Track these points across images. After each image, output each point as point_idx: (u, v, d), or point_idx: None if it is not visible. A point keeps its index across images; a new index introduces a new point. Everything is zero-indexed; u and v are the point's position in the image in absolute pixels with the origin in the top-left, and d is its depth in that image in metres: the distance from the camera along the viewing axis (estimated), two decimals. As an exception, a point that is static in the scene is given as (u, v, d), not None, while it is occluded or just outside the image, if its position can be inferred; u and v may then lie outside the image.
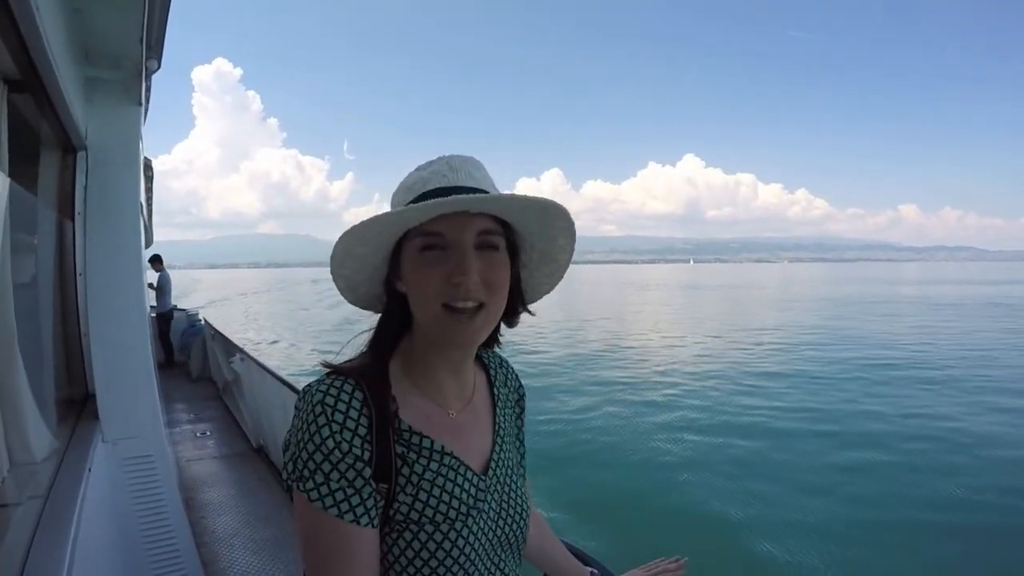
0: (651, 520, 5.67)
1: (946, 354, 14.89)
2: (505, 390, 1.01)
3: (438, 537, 0.79)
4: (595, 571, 1.17)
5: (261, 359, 5.11)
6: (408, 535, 0.78)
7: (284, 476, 0.77)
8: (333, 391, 0.76)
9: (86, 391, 2.53)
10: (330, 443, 0.73)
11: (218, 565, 3.17)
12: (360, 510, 0.74)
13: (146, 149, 3.07)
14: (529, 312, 0.95)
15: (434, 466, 0.81)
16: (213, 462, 4.93)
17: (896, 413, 9.07)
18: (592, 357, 15.30)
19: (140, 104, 2.57)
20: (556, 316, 26.56)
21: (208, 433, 5.77)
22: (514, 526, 0.90)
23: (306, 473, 0.74)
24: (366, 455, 0.75)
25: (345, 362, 0.85)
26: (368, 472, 0.75)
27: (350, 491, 0.74)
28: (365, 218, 0.76)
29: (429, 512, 0.79)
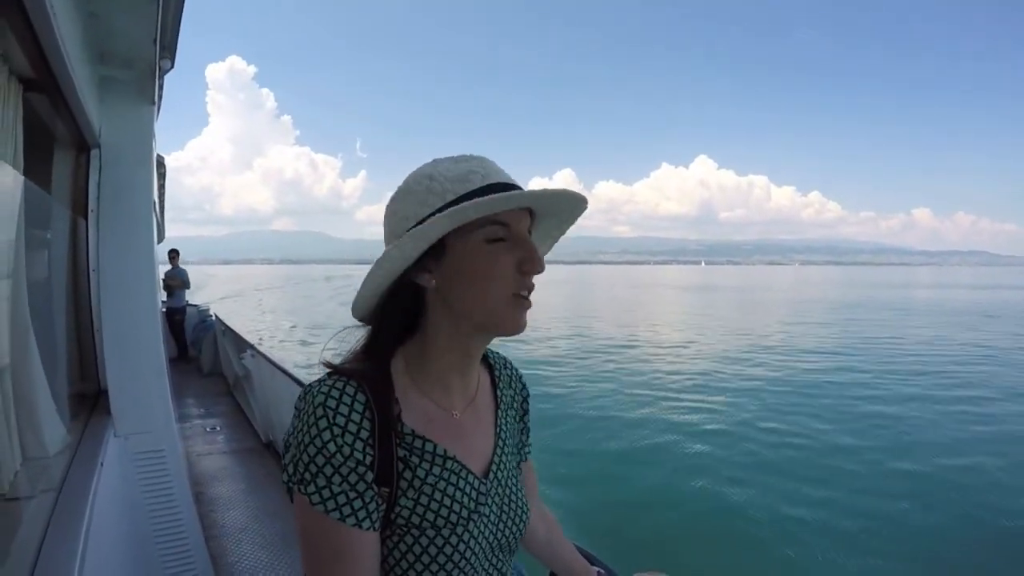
0: (657, 524, 5.64)
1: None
2: (510, 392, 1.01)
3: (439, 541, 0.79)
4: (601, 571, 1.17)
5: (271, 355, 5.15)
6: (409, 539, 0.78)
7: (284, 478, 0.77)
8: (335, 393, 0.75)
9: (98, 386, 2.57)
10: (332, 446, 0.73)
11: (227, 560, 3.19)
12: (362, 513, 0.74)
13: (160, 146, 3.10)
14: None
15: (436, 471, 0.81)
16: (223, 457, 4.97)
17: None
18: (583, 355, 15.31)
19: (153, 103, 2.60)
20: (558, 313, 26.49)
21: (218, 428, 5.81)
22: (513, 528, 0.91)
23: (307, 476, 0.73)
24: (368, 459, 0.74)
25: (344, 360, 0.84)
26: (370, 476, 0.75)
27: (352, 494, 0.74)
28: (467, 203, 0.74)
29: (431, 516, 0.79)
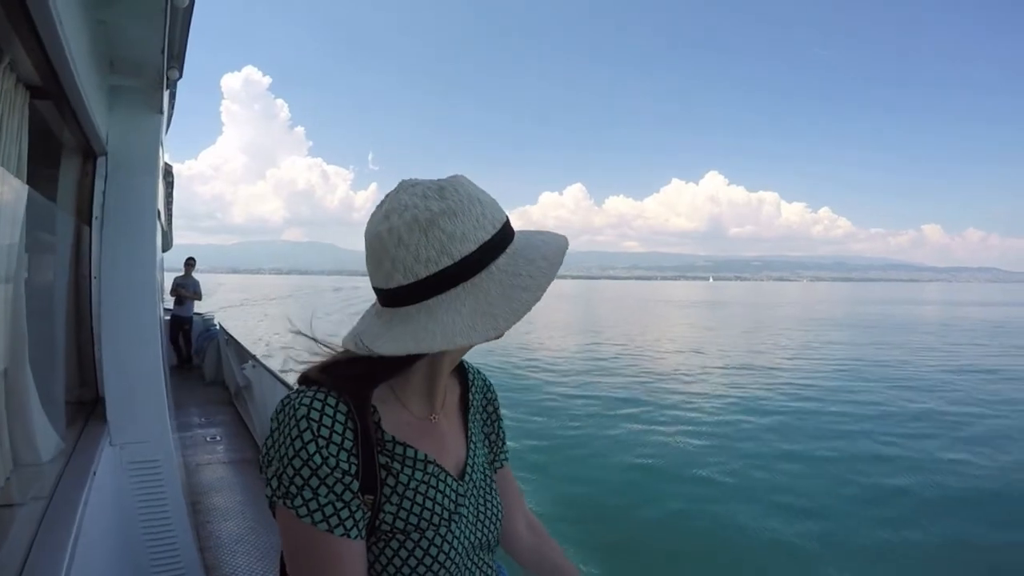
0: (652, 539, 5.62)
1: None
2: (480, 396, 1.04)
3: (424, 544, 0.80)
4: None
5: (272, 366, 5.14)
6: (395, 544, 0.79)
7: (268, 493, 0.76)
8: (317, 404, 0.75)
9: (96, 394, 2.56)
10: (317, 459, 0.72)
11: (222, 571, 3.17)
12: (349, 523, 0.74)
13: (174, 154, 3.13)
14: None
15: (418, 475, 0.82)
16: (221, 467, 4.95)
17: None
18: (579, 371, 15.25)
19: (161, 112, 2.61)
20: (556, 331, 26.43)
21: (218, 438, 5.80)
22: (491, 527, 0.93)
23: (293, 490, 0.72)
24: (352, 468, 0.74)
25: (319, 367, 0.83)
26: (355, 485, 0.74)
27: (339, 505, 0.73)
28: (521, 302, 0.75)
29: (414, 520, 0.80)
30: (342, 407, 0.76)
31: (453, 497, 0.86)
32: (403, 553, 0.79)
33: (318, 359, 0.87)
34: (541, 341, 21.92)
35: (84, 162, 2.51)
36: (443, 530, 0.82)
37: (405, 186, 0.81)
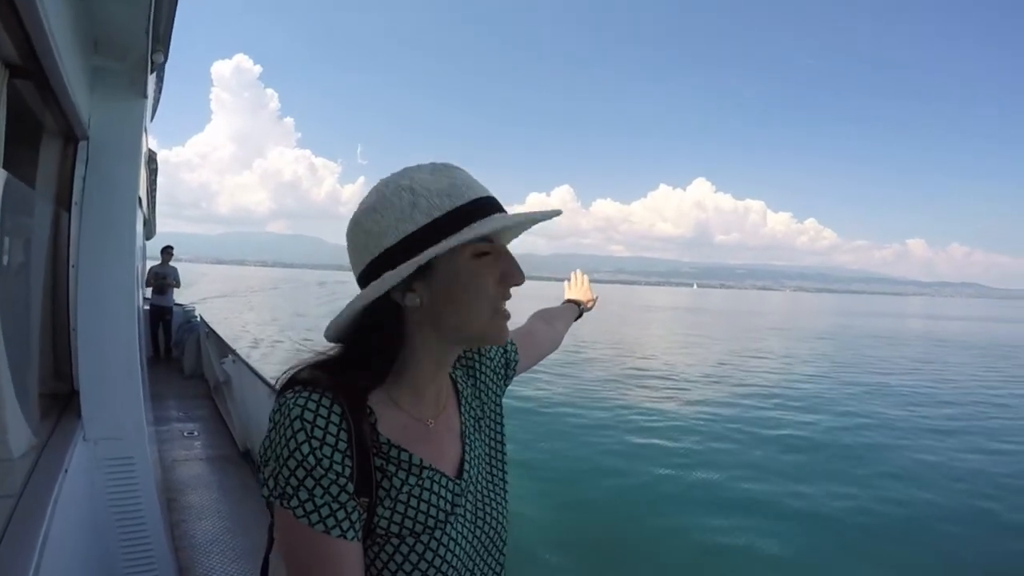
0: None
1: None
2: (470, 390, 1.02)
3: (419, 548, 0.79)
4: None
5: (251, 362, 5.06)
6: (390, 548, 0.78)
7: (265, 493, 0.75)
8: (312, 405, 0.74)
9: (72, 387, 2.48)
10: (311, 459, 0.72)
11: (195, 572, 3.10)
12: (346, 524, 0.73)
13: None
14: None
15: (412, 480, 0.81)
16: (198, 464, 4.87)
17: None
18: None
19: (145, 97, 2.53)
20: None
21: (196, 433, 5.71)
22: (493, 526, 0.92)
23: (289, 490, 0.72)
24: (347, 470, 0.74)
25: (308, 369, 0.82)
26: (351, 487, 0.74)
27: (335, 506, 0.73)
28: (480, 225, 0.77)
29: (409, 523, 0.79)
30: (337, 408, 0.75)
31: (449, 498, 0.85)
32: (398, 557, 0.78)
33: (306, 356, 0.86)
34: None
35: (65, 146, 2.43)
36: (438, 533, 0.81)
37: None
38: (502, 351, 1.10)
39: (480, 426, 1.00)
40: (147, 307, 9.36)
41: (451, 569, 0.81)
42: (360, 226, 0.82)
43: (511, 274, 0.82)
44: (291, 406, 0.75)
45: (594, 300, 1.65)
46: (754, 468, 7.75)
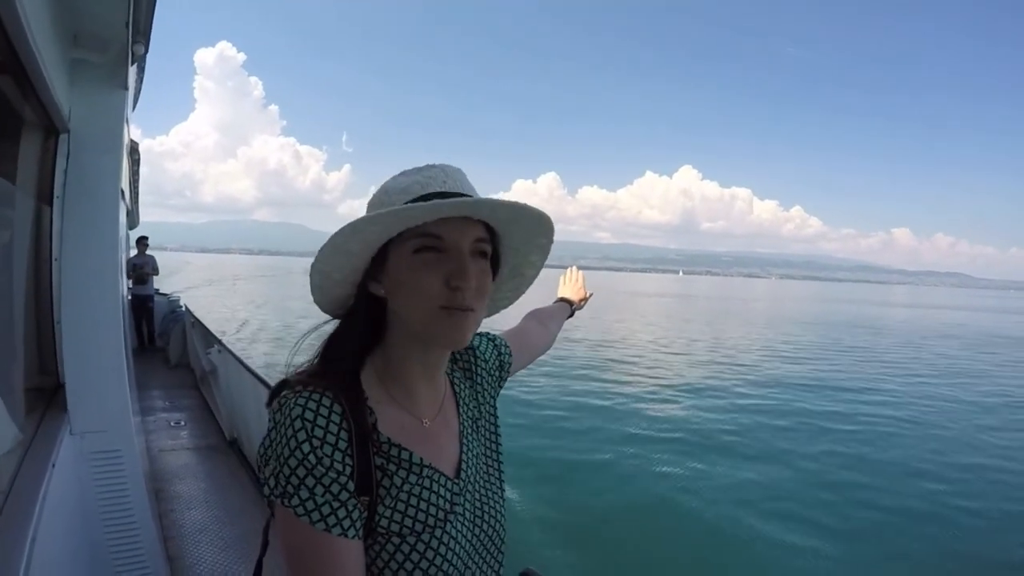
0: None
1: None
2: (468, 391, 1.02)
3: (420, 547, 0.79)
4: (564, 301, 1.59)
5: (238, 352, 5.05)
6: (391, 547, 0.78)
7: (266, 492, 0.76)
8: (312, 405, 0.75)
9: (57, 380, 2.47)
10: (312, 458, 0.72)
11: (184, 562, 3.11)
12: (347, 523, 0.74)
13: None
14: None
15: (412, 479, 0.82)
16: (186, 453, 4.87)
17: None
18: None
19: (126, 88, 2.50)
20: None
21: (183, 423, 5.69)
22: (493, 524, 0.92)
23: (290, 489, 0.73)
24: (347, 469, 0.74)
25: (304, 369, 0.84)
26: (351, 485, 0.75)
27: (336, 504, 0.73)
28: (372, 213, 0.76)
29: (408, 523, 0.79)
30: (337, 408, 0.76)
31: (448, 497, 0.85)
32: (399, 556, 0.78)
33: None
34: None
35: (45, 140, 2.40)
36: (439, 532, 0.81)
37: None
38: (496, 351, 1.10)
39: (477, 426, 1.00)
40: (129, 296, 9.28)
41: (451, 568, 0.81)
42: None
43: (452, 274, 0.78)
44: (291, 405, 0.75)
45: (586, 298, 1.63)
46: (754, 460, 7.78)
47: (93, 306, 2.42)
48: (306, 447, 0.72)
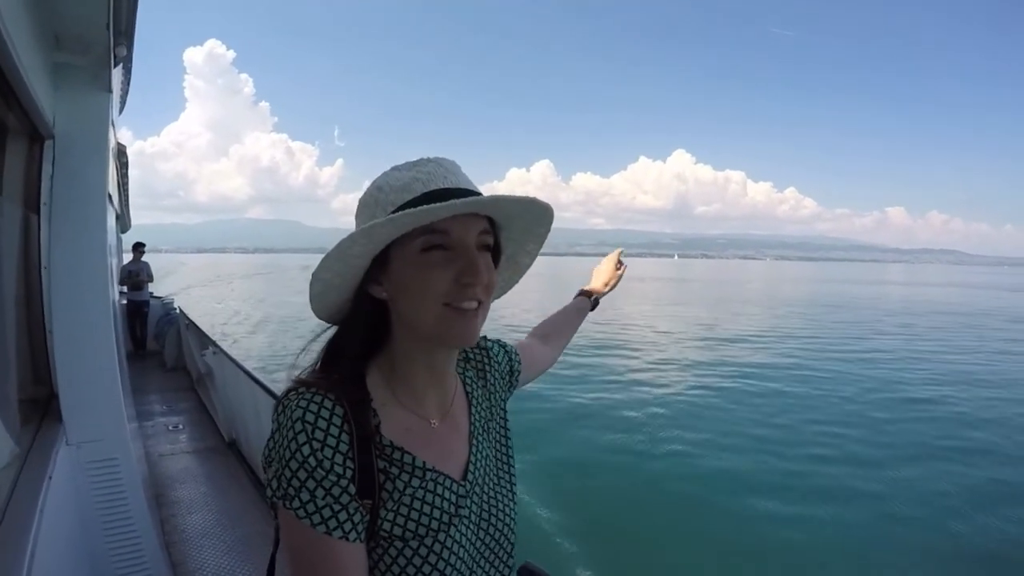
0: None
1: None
2: (480, 391, 1.01)
3: (423, 551, 0.78)
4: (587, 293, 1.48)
5: (233, 353, 5.02)
6: (393, 550, 0.78)
7: (268, 493, 0.76)
8: (313, 407, 0.74)
9: (51, 390, 2.44)
10: (312, 461, 0.72)
11: (188, 566, 3.10)
12: (348, 525, 0.73)
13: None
14: None
15: (415, 482, 0.80)
16: (185, 457, 4.85)
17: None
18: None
19: (110, 91, 2.46)
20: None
21: (181, 426, 5.67)
22: (500, 528, 0.90)
23: (291, 491, 0.73)
24: (348, 472, 0.74)
25: (310, 372, 0.84)
26: (352, 488, 0.74)
27: (337, 507, 0.73)
28: (384, 218, 0.74)
29: (411, 527, 0.78)
30: (339, 410, 0.75)
31: (453, 500, 0.84)
32: (401, 560, 0.78)
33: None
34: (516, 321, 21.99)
35: (30, 146, 2.36)
36: (442, 536, 0.80)
37: None
38: (507, 356, 1.09)
39: (489, 428, 0.98)
40: (123, 302, 9.25)
41: (455, 572, 0.80)
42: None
43: (463, 271, 0.77)
44: (293, 408, 0.75)
45: (618, 277, 1.50)
46: (755, 452, 7.74)
47: (84, 313, 2.39)
48: (306, 449, 0.72)
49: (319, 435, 0.73)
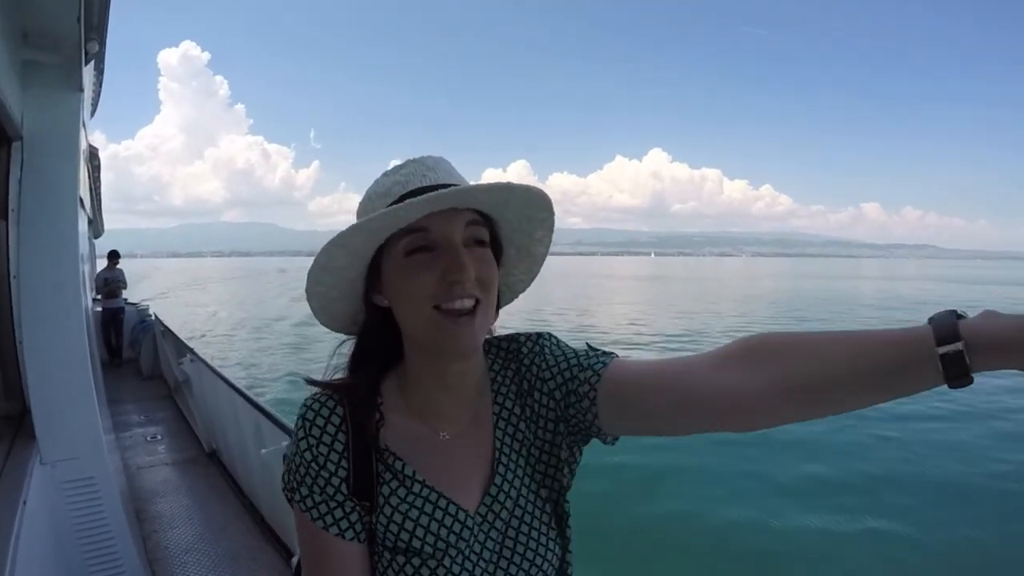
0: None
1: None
2: (519, 409, 0.84)
3: (425, 572, 0.75)
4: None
5: (210, 361, 4.90)
6: (383, 562, 0.76)
7: (282, 486, 0.78)
8: (316, 406, 0.76)
9: (24, 406, 2.31)
10: (308, 456, 0.74)
11: (171, 584, 2.99)
12: (344, 524, 0.74)
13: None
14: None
15: (402, 492, 0.76)
16: (165, 469, 4.72)
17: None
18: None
19: (81, 90, 2.35)
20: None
21: (159, 437, 5.53)
22: (529, 572, 0.79)
23: (294, 484, 0.75)
24: (343, 472, 0.74)
25: (335, 375, 0.83)
26: (345, 488, 0.74)
27: (333, 504, 0.74)
28: (345, 226, 0.72)
29: (403, 541, 0.75)
30: (340, 410, 0.76)
31: (455, 528, 0.76)
32: (390, 574, 0.76)
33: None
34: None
35: (-3, 146, 2.24)
36: (432, 563, 0.75)
37: None
38: (568, 366, 0.80)
39: (530, 454, 0.83)
40: (98, 309, 9.04)
41: None
42: None
43: (447, 268, 0.71)
44: (303, 406, 0.77)
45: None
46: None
47: (56, 324, 2.28)
48: (303, 445, 0.74)
49: (316, 432, 0.74)
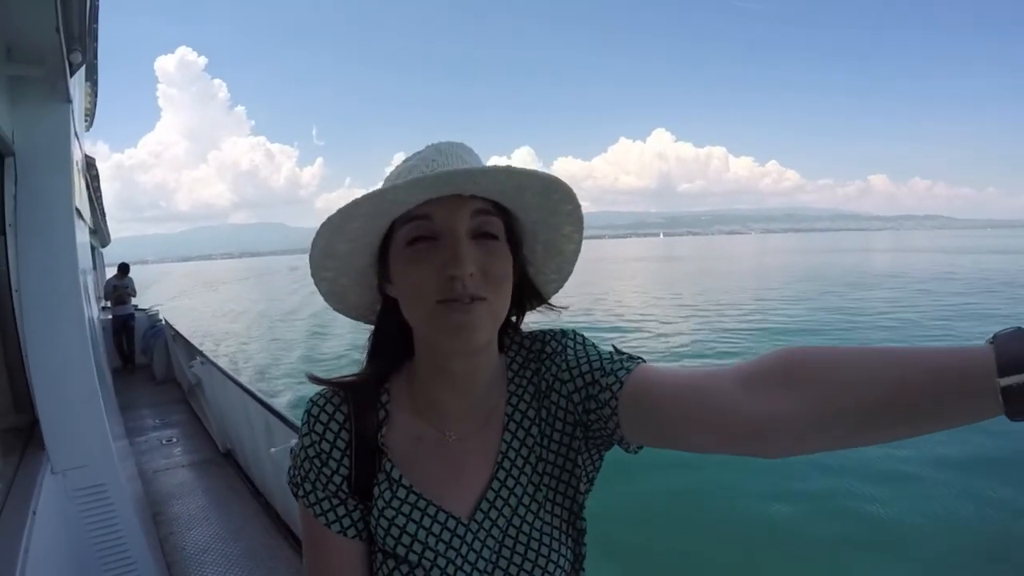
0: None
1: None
2: (534, 411, 0.79)
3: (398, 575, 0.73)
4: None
5: (221, 363, 4.93)
6: (377, 562, 0.75)
7: (288, 480, 0.79)
8: (321, 402, 0.76)
9: (33, 417, 2.35)
10: (311, 452, 0.74)
11: (190, 585, 3.03)
12: (346, 521, 0.74)
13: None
14: (552, 307, 0.83)
15: (388, 494, 0.74)
16: (181, 471, 4.77)
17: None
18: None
19: (69, 102, 2.35)
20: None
21: (175, 440, 5.59)
22: None
23: (298, 479, 0.76)
24: (343, 469, 0.74)
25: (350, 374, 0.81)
26: (346, 486, 0.74)
27: (335, 500, 0.74)
28: (332, 214, 0.68)
29: (391, 543, 0.73)
30: (343, 407, 0.76)
31: (443, 536, 0.72)
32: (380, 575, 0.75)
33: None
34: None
35: (-10, 165, 2.25)
36: (420, 572, 0.72)
37: None
38: (591, 369, 0.75)
39: (541, 459, 0.78)
40: (108, 317, 9.13)
41: None
42: None
43: (446, 261, 0.66)
44: (309, 403, 0.77)
45: None
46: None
47: (60, 335, 2.30)
48: (307, 441, 0.75)
49: (319, 429, 0.74)
